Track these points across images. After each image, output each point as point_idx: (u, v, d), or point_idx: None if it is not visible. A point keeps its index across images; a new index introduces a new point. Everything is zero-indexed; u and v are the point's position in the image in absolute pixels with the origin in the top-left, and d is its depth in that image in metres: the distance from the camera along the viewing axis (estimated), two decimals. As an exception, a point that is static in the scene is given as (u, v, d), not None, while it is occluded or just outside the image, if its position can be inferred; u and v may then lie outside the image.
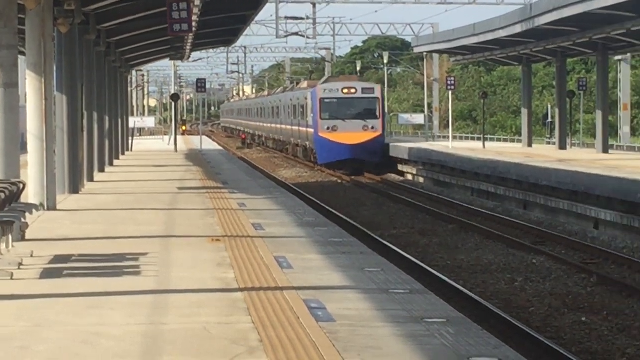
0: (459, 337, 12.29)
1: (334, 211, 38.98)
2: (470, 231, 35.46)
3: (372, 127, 66.16)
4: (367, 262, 18.52)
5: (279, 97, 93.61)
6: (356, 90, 67.41)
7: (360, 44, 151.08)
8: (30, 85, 26.95)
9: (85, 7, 32.88)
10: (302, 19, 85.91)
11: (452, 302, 16.66)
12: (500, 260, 29.32)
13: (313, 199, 43.88)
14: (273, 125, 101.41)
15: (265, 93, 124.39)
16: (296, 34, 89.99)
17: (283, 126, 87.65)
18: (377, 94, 68.87)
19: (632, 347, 19.42)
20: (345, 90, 66.86)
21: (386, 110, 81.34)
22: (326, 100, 66.95)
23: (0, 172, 20.84)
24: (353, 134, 65.56)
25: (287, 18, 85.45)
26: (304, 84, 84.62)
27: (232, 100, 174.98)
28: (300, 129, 74.79)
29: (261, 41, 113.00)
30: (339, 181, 63.49)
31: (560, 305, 23.46)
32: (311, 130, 69.00)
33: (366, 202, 47.37)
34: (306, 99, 72.10)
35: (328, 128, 65.91)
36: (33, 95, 27.00)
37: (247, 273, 16.94)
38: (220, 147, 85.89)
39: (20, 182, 20.95)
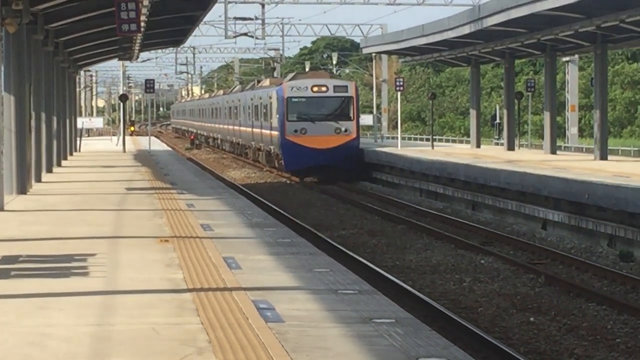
0: (407, 338, 12.33)
1: (282, 212, 39.02)
2: (418, 232, 35.59)
3: (346, 130, 57.53)
4: (316, 263, 18.54)
5: (237, 97, 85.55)
6: (327, 88, 58.37)
7: (309, 45, 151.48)
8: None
9: (33, 7, 32.79)
10: (251, 19, 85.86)
11: (400, 303, 16.70)
12: (449, 261, 29.42)
13: (262, 199, 43.90)
14: (230, 127, 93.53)
15: (221, 92, 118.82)
16: (245, 34, 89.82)
17: (242, 128, 79.33)
18: (351, 92, 59.40)
19: (580, 347, 19.54)
20: (315, 89, 57.82)
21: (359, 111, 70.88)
22: (294, 100, 58.32)
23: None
24: (324, 137, 57.13)
25: (235, 19, 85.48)
26: (266, 82, 77.08)
27: (183, 101, 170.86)
28: (264, 131, 65.60)
29: (210, 42, 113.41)
30: (288, 182, 62.35)
31: (509, 305, 23.56)
32: (276, 133, 60.33)
33: (315, 203, 47.59)
34: (270, 98, 63.74)
35: (296, 131, 57.37)
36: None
37: (195, 274, 16.94)
38: (169, 148, 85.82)
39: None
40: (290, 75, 65.27)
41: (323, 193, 54.74)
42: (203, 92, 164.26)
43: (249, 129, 74.38)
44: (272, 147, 63.26)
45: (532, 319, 22.04)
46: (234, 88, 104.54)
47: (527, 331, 20.96)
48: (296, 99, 57.69)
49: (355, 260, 27.27)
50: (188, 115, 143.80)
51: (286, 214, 38.16)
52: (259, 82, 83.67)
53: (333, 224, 38.05)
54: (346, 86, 59.41)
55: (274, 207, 40.61)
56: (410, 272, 27.57)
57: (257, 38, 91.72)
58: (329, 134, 57.12)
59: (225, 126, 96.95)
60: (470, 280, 26.64)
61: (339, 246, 30.22)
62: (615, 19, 40.05)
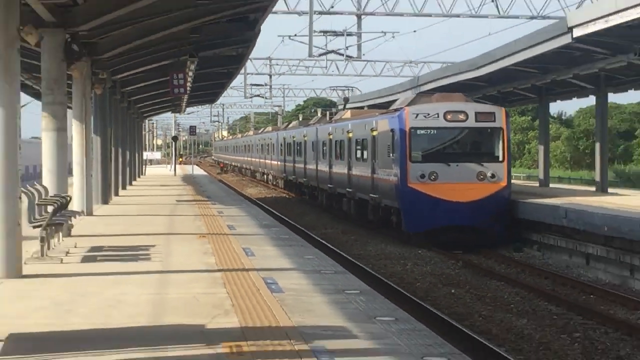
0: (368, 303, 12.34)
1: (284, 217, 38.30)
2: (377, 233, 35.31)
3: (493, 176, 28.96)
4: (305, 252, 18.54)
5: (315, 129, 48.16)
6: (467, 115, 29.33)
7: (301, 103, 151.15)
8: (75, 129, 26.88)
9: (113, 77, 32.85)
10: (262, 85, 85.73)
11: (363, 279, 16.70)
12: (397, 251, 29.36)
13: (269, 208, 42.92)
14: (262, 161, 72.56)
15: (251, 133, 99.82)
16: (258, 95, 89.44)
17: (330, 169, 42.94)
18: (501, 121, 29.63)
19: (486, 310, 19.58)
20: (450, 116, 29.14)
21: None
22: (420, 132, 29.18)
23: (54, 189, 20.74)
24: (464, 186, 28.84)
25: (252, 85, 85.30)
26: (347, 114, 44.58)
27: (222, 139, 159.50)
28: (375, 176, 33.26)
29: (233, 100, 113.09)
30: (287, 197, 58.97)
31: (437, 281, 23.58)
32: (387, 177, 31.17)
33: (308, 212, 46.25)
34: (374, 130, 33.34)
35: (423, 176, 28.89)
36: (77, 137, 26.90)
37: (223, 259, 16.94)
38: (205, 173, 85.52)
39: (67, 196, 20.87)
40: (410, 98, 33.77)
41: (314, 206, 50.95)
42: (229, 135, 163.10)
43: (341, 171, 40.39)
44: (385, 200, 32.22)
45: (453, 291, 22.07)
46: (264, 129, 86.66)
47: (450, 299, 20.98)
48: (423, 131, 29.23)
49: (332, 251, 27.19)
50: (225, 150, 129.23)
51: (286, 218, 37.57)
52: (328, 114, 52.86)
53: (318, 226, 37.90)
54: (493, 113, 29.77)
55: (277, 213, 39.74)
56: (370, 259, 27.52)
57: (266, 98, 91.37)
58: (470, 180, 28.96)
59: (257, 159, 77.71)
60: (411, 264, 26.61)
61: (322, 241, 30.12)
62: (510, 86, 40.12)
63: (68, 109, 24.22)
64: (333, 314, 11.55)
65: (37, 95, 43.66)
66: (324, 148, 43.97)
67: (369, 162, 33.84)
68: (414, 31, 64.29)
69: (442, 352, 9.57)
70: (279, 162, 62.13)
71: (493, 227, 28.92)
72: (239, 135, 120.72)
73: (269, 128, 79.38)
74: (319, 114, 58.97)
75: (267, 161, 70.35)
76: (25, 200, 16.77)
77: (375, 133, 33.05)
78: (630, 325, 17.78)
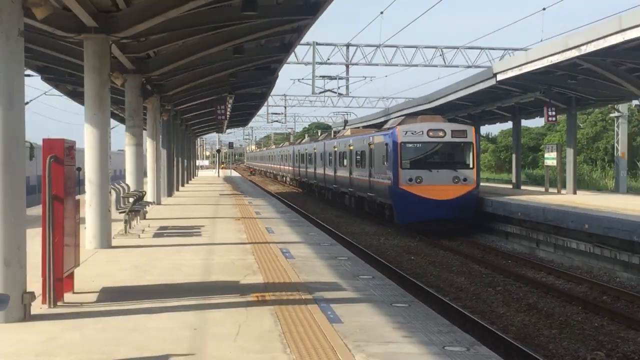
0: (353, 267, 12.35)
1: (294, 206, 37.93)
2: (358, 217, 35.06)
3: (465, 179, 27.84)
4: (309, 230, 18.53)
5: (323, 144, 45.70)
6: (445, 133, 28.57)
7: (307, 126, 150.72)
8: (148, 144, 26.91)
9: (175, 108, 32.89)
10: (279, 114, 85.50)
11: (350, 249, 16.70)
12: (373, 230, 29.32)
13: (285, 200, 42.68)
14: (282, 167, 69.34)
15: (273, 146, 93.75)
16: (276, 121, 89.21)
17: (338, 174, 40.34)
18: (471, 137, 28.66)
19: (435, 271, 19.58)
20: (431, 133, 28.49)
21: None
22: (408, 145, 28.33)
23: (134, 186, 20.76)
24: (442, 187, 27.79)
25: (272, 113, 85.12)
26: (347, 131, 41.49)
27: (254, 151, 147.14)
28: (372, 179, 31.74)
29: (259, 124, 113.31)
30: (297, 192, 57.28)
31: (402, 251, 23.57)
32: (386, 181, 29.39)
33: (311, 203, 45.39)
34: (371, 144, 32.15)
35: (411, 180, 27.79)
36: (150, 149, 26.94)
37: (252, 235, 16.94)
38: (239, 175, 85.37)
39: (143, 191, 20.89)
40: (398, 119, 32.97)
41: (314, 198, 49.93)
42: (256, 148, 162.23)
43: (346, 175, 37.38)
44: (380, 198, 30.47)
45: (412, 257, 22.07)
46: (282, 145, 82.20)
47: (410, 263, 20.98)
48: (410, 145, 28.28)
49: (328, 230, 27.16)
50: (254, 159, 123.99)
51: (296, 207, 37.25)
52: (333, 133, 48.42)
53: (318, 212, 37.80)
54: (465, 131, 28.66)
55: (290, 204, 39.37)
56: (354, 235, 27.46)
57: (282, 123, 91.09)
58: (447, 183, 27.66)
59: (277, 166, 75.01)
60: (383, 239, 26.60)
61: (322, 222, 30.07)
62: (453, 115, 39.80)
63: (144, 130, 24.25)
64: (329, 273, 11.56)
65: (122, 120, 43.67)
66: (330, 158, 41.81)
67: (367, 168, 31.88)
68: (386, 76, 64.66)
69: (405, 300, 9.59)
70: (293, 168, 60.63)
71: (464, 218, 27.15)
72: (264, 149, 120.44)
73: (286, 143, 78.78)
74: (319, 134, 57.38)
75: (283, 167, 69.69)
76: (114, 194, 16.82)
77: (372, 146, 31.32)
78: (536, 281, 17.80)
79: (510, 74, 26.70)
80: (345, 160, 37.43)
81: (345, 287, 10.33)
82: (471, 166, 27.81)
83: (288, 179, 67.19)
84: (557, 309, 15.07)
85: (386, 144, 28.96)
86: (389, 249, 24.01)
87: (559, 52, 22.78)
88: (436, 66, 45.50)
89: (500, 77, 27.57)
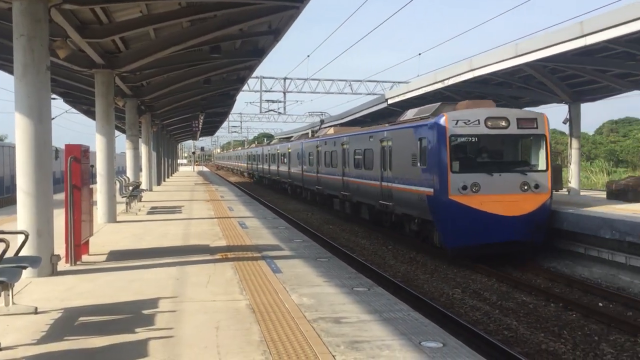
0: (289, 233, 12.29)
1: (248, 192, 35.69)
2: (293, 198, 32.96)
3: (537, 186, 9.22)
4: (258, 208, 18.41)
5: (301, 143, 28.36)
6: (508, 122, 9.04)
7: (256, 135, 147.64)
8: (143, 149, 26.27)
9: (162, 122, 32.16)
10: (237, 126, 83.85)
11: (287, 221, 16.62)
12: (304, 207, 28.56)
13: (241, 187, 39.35)
14: (273, 168, 38.60)
15: (239, 148, 77.98)
16: (235, 131, 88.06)
17: (348, 179, 20.48)
18: (543, 128, 9.24)
19: (347, 236, 19.54)
20: (490, 123, 8.88)
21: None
22: (461, 140, 8.96)
23: (133, 178, 20.25)
24: (508, 198, 8.94)
25: (232, 126, 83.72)
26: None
27: (218, 152, 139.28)
28: (388, 185, 14.36)
29: (223, 133, 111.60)
30: (249, 182, 52.87)
31: (324, 222, 23.12)
32: (422, 189, 10.65)
33: (260, 189, 42.89)
34: (387, 140, 14.44)
35: (465, 187, 9.03)
36: (144, 152, 26.32)
37: (218, 212, 16.72)
38: (209, 170, 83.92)
39: (139, 182, 20.42)
40: (436, 105, 12.44)
41: (305, 203, 35.96)
42: (221, 151, 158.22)
43: (359, 180, 19.45)
44: (416, 211, 12.85)
45: (330, 226, 21.80)
46: (241, 147, 69.42)
47: (330, 231, 20.69)
48: (464, 139, 10.04)
49: (272, 208, 26.63)
50: (221, 159, 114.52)
51: (249, 192, 34.54)
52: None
53: (265, 195, 36.92)
54: (535, 119, 10.38)
55: (245, 190, 36.31)
56: (290, 212, 26.69)
57: (238, 133, 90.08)
58: (515, 192, 10.20)
59: (235, 163, 67.72)
60: (311, 214, 26.01)
61: (267, 203, 29.42)
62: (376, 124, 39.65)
63: (139, 138, 23.69)
64: (272, 238, 11.54)
65: (123, 131, 42.28)
66: (310, 157, 26.65)
67: (377, 171, 17.18)
68: (311, 100, 64.23)
69: (325, 256, 9.67)
70: (247, 164, 57.61)
71: (535, 239, 12.55)
72: (226, 151, 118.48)
73: (239, 147, 77.22)
74: (275, 138, 47.80)
75: (240, 164, 69.20)
76: (118, 183, 16.40)
77: (387, 143, 16.21)
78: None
79: (397, 99, 27.08)
80: (335, 161, 22.50)
81: (284, 248, 10.35)
82: (544, 168, 12.71)
83: (246, 173, 64.47)
84: None
85: (420, 139, 13.45)
86: (315, 220, 23.83)
87: (429, 84, 23.21)
88: (346, 93, 46.02)
89: (390, 101, 27.96)
